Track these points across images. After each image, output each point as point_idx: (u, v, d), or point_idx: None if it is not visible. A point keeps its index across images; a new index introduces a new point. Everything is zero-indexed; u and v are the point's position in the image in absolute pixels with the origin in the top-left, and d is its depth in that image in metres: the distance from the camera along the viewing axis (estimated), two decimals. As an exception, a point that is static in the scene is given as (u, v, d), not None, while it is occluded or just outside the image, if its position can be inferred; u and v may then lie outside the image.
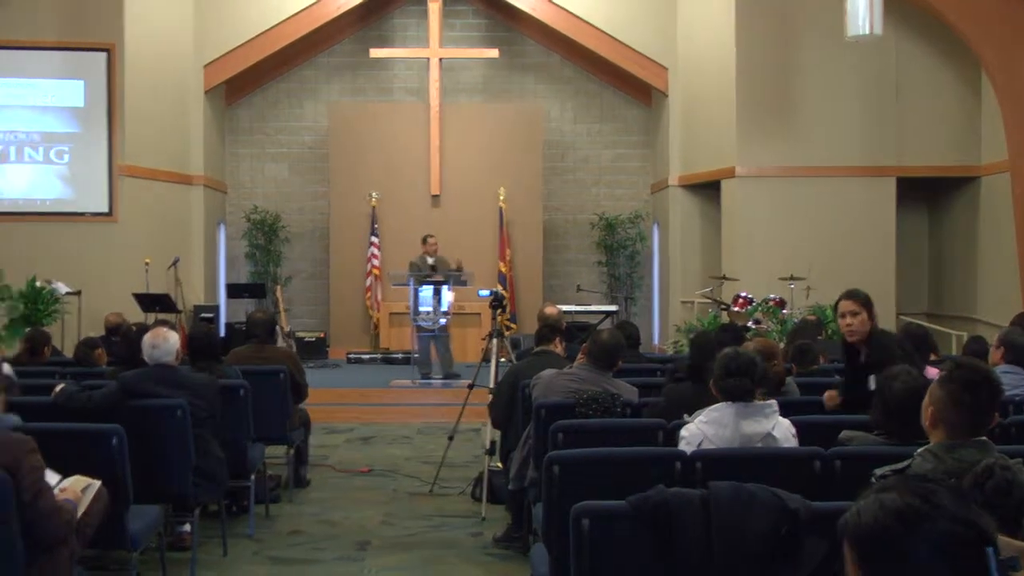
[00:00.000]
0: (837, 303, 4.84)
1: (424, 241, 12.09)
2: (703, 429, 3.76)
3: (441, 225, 13.42)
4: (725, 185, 13.16)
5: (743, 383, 3.77)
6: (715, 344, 5.37)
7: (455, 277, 11.34)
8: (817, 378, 5.93)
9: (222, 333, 12.95)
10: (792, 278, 11.61)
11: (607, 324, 12.45)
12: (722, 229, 13.25)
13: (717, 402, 3.82)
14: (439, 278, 11.26)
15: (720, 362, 3.85)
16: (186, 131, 13.82)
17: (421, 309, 11.23)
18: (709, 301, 12.34)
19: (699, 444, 3.71)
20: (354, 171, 14.34)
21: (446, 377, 11.29)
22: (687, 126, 14.04)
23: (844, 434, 3.72)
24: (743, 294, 11.20)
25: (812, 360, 6.25)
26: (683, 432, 3.83)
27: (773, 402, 3.86)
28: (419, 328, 11.36)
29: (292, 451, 6.81)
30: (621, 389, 5.02)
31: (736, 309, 11.00)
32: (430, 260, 11.93)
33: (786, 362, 5.81)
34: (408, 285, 11.37)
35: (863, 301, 4.76)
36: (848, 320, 4.74)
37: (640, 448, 3.89)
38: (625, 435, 4.25)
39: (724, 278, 12.20)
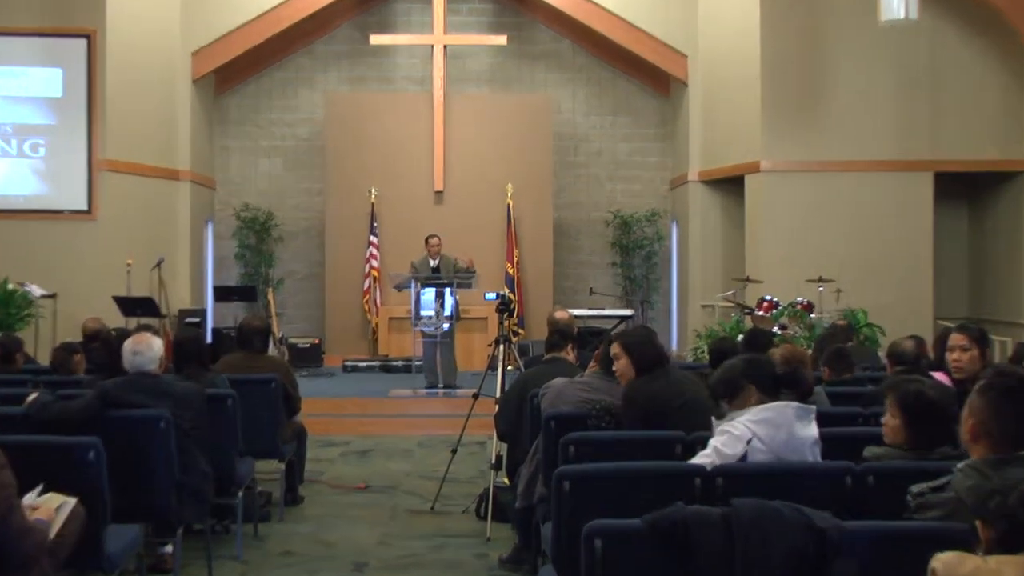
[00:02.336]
0: (944, 333, 4.78)
1: (427, 241, 12.09)
2: (754, 429, 3.73)
3: (444, 224, 13.41)
4: (749, 180, 13.13)
5: (804, 375, 3.76)
6: (738, 351, 5.35)
7: (460, 279, 11.33)
8: (851, 387, 5.89)
9: (209, 339, 12.95)
10: (821, 280, 11.57)
11: (622, 329, 12.40)
12: (746, 228, 13.21)
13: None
14: (442, 280, 11.26)
15: (767, 359, 3.84)
16: (172, 123, 13.85)
17: (423, 313, 11.22)
18: (732, 305, 12.31)
19: (748, 443, 3.69)
20: (352, 166, 14.34)
21: (447, 387, 11.28)
22: (708, 117, 14.02)
23: (869, 451, 3.71)
24: (768, 297, 11.17)
25: (848, 367, 6.21)
26: (727, 427, 3.77)
27: (813, 407, 3.89)
28: (422, 334, 11.35)
29: (284, 465, 6.80)
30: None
31: (761, 313, 10.97)
32: (433, 262, 11.93)
33: (815, 369, 5.78)
34: (409, 288, 11.37)
35: (976, 336, 4.69)
36: (957, 355, 4.69)
37: (657, 462, 3.87)
38: (641, 448, 4.23)
39: (748, 280, 12.17)
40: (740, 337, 9.74)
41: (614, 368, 4.84)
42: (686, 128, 14.40)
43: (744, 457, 3.67)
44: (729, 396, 3.93)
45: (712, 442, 3.78)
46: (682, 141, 14.66)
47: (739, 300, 12.08)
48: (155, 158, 13.49)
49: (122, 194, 12.90)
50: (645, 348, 4.76)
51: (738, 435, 3.72)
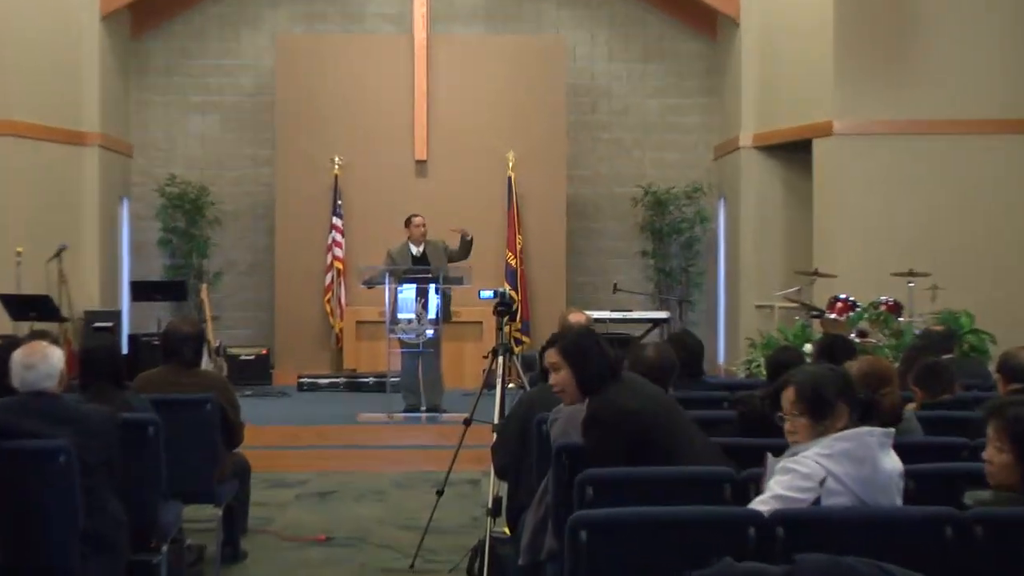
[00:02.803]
0: None
1: (408, 222, 12.04)
2: (827, 465, 3.70)
3: (428, 202, 13.41)
4: (818, 146, 13.14)
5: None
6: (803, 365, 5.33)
7: (448, 272, 11.28)
8: (951, 411, 5.87)
9: (124, 349, 12.94)
10: (911, 274, 11.57)
11: (655, 337, 12.40)
12: (814, 206, 13.21)
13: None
14: (426, 273, 11.23)
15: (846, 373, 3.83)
16: (74, 72, 13.85)
17: (401, 316, 11.21)
18: (795, 305, 12.29)
19: (822, 483, 3.66)
20: (310, 128, 14.34)
21: (430, 410, 11.26)
22: (766, 67, 14.02)
23: (972, 496, 3.71)
24: (842, 296, 11.15)
25: (946, 385, 6.19)
26: (790, 464, 3.75)
27: (892, 430, 3.90)
28: (400, 343, 11.32)
29: (221, 512, 6.78)
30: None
31: (833, 316, 10.96)
32: (416, 249, 11.89)
33: (904, 388, 5.76)
34: (383, 284, 11.34)
35: None
36: None
37: (700, 508, 3.86)
38: (679, 488, 4.23)
39: (816, 274, 12.15)
40: (807, 347, 9.77)
41: (551, 382, 4.88)
42: (737, 80, 14.39)
43: (817, 503, 3.65)
44: (816, 415, 3.85)
45: (772, 485, 3.75)
46: (732, 97, 14.64)
47: (805, 299, 12.06)
48: (52, 117, 13.49)
49: (9, 164, 12.92)
50: (591, 354, 4.75)
51: (807, 473, 3.69)
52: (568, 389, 4.77)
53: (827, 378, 3.91)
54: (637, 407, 4.59)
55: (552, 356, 4.85)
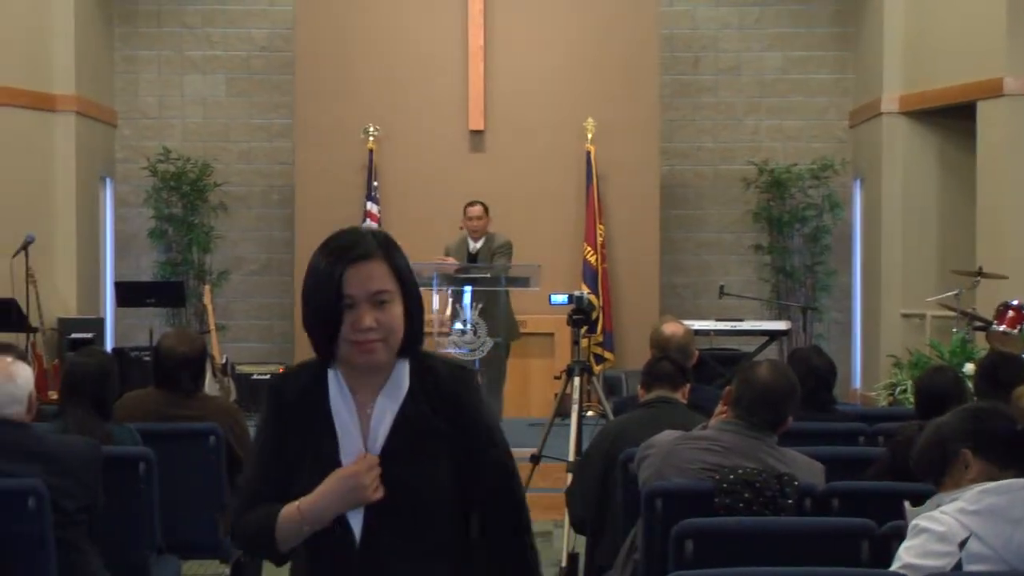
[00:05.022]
0: None
1: (465, 211, 12.05)
2: (969, 523, 3.70)
3: (486, 183, 13.43)
4: (984, 110, 13.05)
5: None
6: (963, 391, 5.28)
7: (510, 272, 11.27)
8: None
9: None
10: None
11: (771, 354, 12.33)
12: (977, 188, 13.10)
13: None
14: (483, 273, 11.24)
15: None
16: (44, 23, 13.94)
17: (455, 327, 11.23)
18: (953, 314, 12.19)
19: (962, 546, 3.65)
20: (338, 91, 14.40)
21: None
22: (917, 10, 13.93)
23: None
24: (1015, 302, 11.05)
25: None
26: (924, 523, 3.76)
27: None
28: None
29: (230, 570, 6.84)
30: (794, 466, 5.01)
31: (1003, 329, 10.86)
32: (473, 245, 11.91)
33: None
34: (431, 286, 11.36)
35: None
36: None
37: (830, 571, 3.87)
38: (803, 543, 4.27)
39: (980, 274, 12.05)
40: (967, 367, 9.68)
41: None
42: (878, 30, 14.32)
43: (959, 566, 3.64)
44: (935, 473, 3.89)
45: (901, 553, 3.77)
46: (871, 50, 14.58)
47: (966, 307, 11.95)
48: (13, 76, 13.57)
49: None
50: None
51: (942, 533, 3.70)
52: None
53: (946, 427, 4.00)
54: None
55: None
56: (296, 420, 3.27)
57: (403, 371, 3.26)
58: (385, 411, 3.22)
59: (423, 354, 3.32)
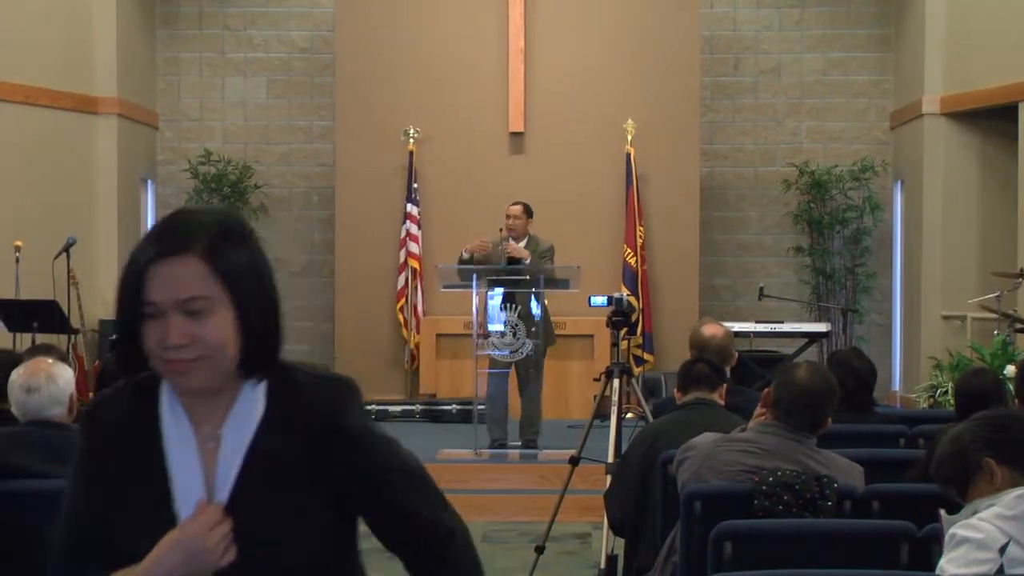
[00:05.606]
0: None
1: (507, 211, 12.04)
2: (1007, 528, 3.70)
3: (525, 184, 13.42)
4: (1026, 112, 12.98)
5: None
6: (1004, 393, 5.27)
7: (550, 274, 11.26)
8: None
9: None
10: None
11: (811, 356, 12.31)
12: (1018, 189, 13.04)
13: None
14: (521, 274, 11.23)
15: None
16: (86, 25, 13.99)
17: (492, 328, 11.23)
18: (994, 316, 12.15)
19: (1002, 551, 3.66)
20: (379, 93, 14.44)
21: (525, 445, 11.25)
22: (957, 15, 13.88)
23: None
24: (1056, 305, 11.02)
25: None
26: (962, 531, 3.74)
27: None
28: (490, 362, 11.33)
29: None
30: (834, 468, 4.99)
31: (1043, 331, 10.83)
32: (512, 245, 11.92)
33: None
34: (470, 287, 11.36)
35: None
36: None
37: (870, 571, 3.88)
38: (843, 546, 4.26)
39: (1021, 275, 12.00)
40: (1008, 369, 9.65)
41: None
42: (919, 29, 14.25)
43: (1000, 571, 3.63)
44: (958, 484, 3.89)
45: (944, 565, 3.75)
46: (912, 49, 14.52)
47: (1007, 309, 11.91)
48: (56, 79, 13.60)
49: (7, 137, 13.02)
50: None
51: (982, 540, 3.67)
52: None
53: (965, 435, 3.94)
54: None
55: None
56: (118, 458, 2.51)
57: (254, 394, 2.52)
58: (233, 446, 2.48)
59: (283, 368, 2.57)
